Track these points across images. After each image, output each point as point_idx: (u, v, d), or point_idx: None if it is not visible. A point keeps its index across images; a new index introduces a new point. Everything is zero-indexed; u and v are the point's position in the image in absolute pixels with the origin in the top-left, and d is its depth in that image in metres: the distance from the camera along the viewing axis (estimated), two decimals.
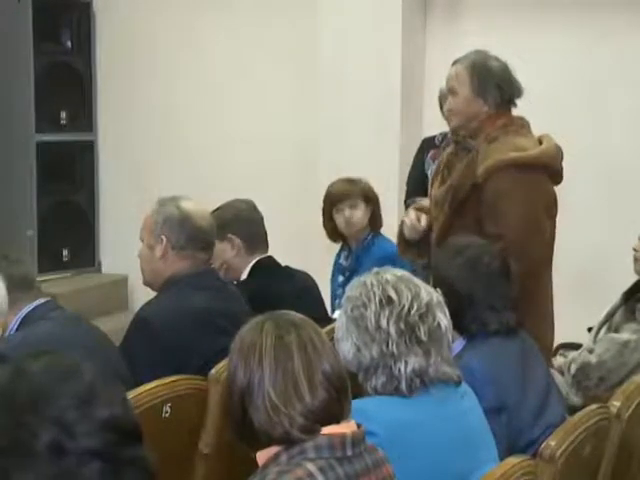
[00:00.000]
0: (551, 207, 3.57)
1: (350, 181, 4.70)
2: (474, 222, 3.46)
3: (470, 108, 3.53)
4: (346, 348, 2.37)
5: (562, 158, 3.61)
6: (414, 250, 3.82)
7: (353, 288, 2.43)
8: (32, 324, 2.99)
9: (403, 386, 2.32)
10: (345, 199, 4.64)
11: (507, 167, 3.42)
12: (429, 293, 2.41)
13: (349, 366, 2.34)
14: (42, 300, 3.08)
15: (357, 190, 4.66)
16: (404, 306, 2.35)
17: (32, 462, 1.35)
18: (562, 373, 4.00)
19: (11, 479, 1.35)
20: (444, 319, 2.39)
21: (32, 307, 3.03)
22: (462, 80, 3.54)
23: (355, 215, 4.65)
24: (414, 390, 2.33)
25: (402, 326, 2.33)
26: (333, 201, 4.67)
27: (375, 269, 2.46)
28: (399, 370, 2.32)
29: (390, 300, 2.35)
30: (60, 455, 1.35)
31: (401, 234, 3.83)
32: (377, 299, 2.35)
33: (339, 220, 4.67)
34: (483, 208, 3.45)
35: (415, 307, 2.35)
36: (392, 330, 2.33)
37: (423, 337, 2.34)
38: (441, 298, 2.44)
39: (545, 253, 3.56)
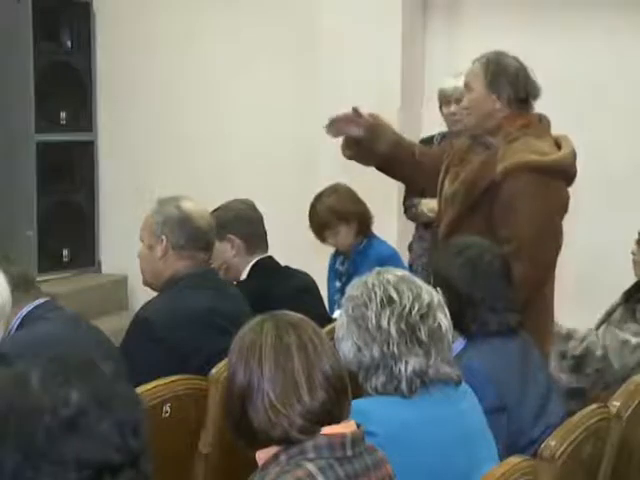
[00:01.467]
0: (565, 212, 3.56)
1: (320, 210, 4.58)
2: (483, 220, 3.44)
3: (484, 104, 3.50)
4: (347, 348, 2.37)
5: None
6: (355, 151, 3.79)
7: (354, 288, 2.42)
8: (32, 324, 2.99)
9: (403, 386, 2.32)
10: (324, 230, 4.58)
11: (527, 169, 3.40)
12: (430, 293, 2.41)
13: (349, 366, 2.34)
14: (42, 300, 3.08)
15: (331, 217, 4.55)
16: (405, 306, 2.35)
17: None
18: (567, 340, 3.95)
19: None
20: (445, 320, 2.39)
21: (32, 307, 3.03)
22: (476, 75, 3.53)
23: (339, 240, 4.60)
24: (414, 390, 2.33)
25: (403, 326, 2.33)
26: (315, 233, 4.62)
27: (377, 269, 2.46)
28: (399, 370, 2.32)
29: (391, 300, 2.35)
30: None
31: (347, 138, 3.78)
32: (378, 299, 2.35)
33: (329, 244, 4.67)
34: (497, 207, 3.43)
35: (416, 307, 2.35)
36: (393, 330, 2.33)
37: (424, 337, 2.34)
38: (442, 298, 2.44)
39: (556, 257, 3.55)
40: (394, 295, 2.36)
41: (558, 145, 3.54)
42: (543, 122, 3.58)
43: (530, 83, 3.53)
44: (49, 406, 1.32)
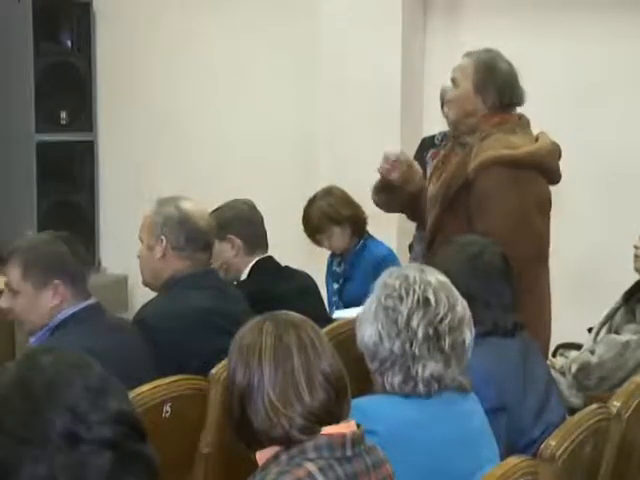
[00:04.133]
0: (543, 205, 3.55)
1: (313, 214, 4.60)
2: (465, 219, 3.45)
3: (468, 103, 3.52)
4: (368, 333, 2.36)
5: (559, 156, 3.60)
6: (384, 197, 3.81)
7: (393, 276, 2.39)
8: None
9: (420, 388, 2.32)
10: (317, 234, 4.61)
11: (497, 164, 3.42)
12: (464, 308, 2.40)
13: (363, 349, 2.35)
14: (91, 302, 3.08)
15: (323, 221, 4.58)
16: (438, 314, 2.34)
17: (46, 452, 1.34)
18: (563, 374, 3.99)
19: (23, 469, 1.34)
20: (469, 336, 2.39)
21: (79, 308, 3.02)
22: (466, 73, 3.54)
23: (333, 243, 4.63)
24: (432, 392, 2.33)
25: (430, 331, 2.33)
26: (309, 237, 4.65)
27: (421, 267, 2.45)
28: (416, 372, 2.32)
29: (427, 302, 2.34)
30: (74, 444, 1.34)
31: (381, 181, 3.78)
32: (415, 297, 2.34)
33: (324, 247, 4.68)
34: (471, 204, 3.45)
35: (449, 318, 2.34)
36: (420, 332, 2.32)
37: (446, 348, 2.33)
38: (470, 314, 2.43)
39: (536, 250, 3.53)
40: (432, 299, 2.34)
41: (537, 141, 3.55)
42: (522, 120, 3.59)
43: (517, 89, 3.54)
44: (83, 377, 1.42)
